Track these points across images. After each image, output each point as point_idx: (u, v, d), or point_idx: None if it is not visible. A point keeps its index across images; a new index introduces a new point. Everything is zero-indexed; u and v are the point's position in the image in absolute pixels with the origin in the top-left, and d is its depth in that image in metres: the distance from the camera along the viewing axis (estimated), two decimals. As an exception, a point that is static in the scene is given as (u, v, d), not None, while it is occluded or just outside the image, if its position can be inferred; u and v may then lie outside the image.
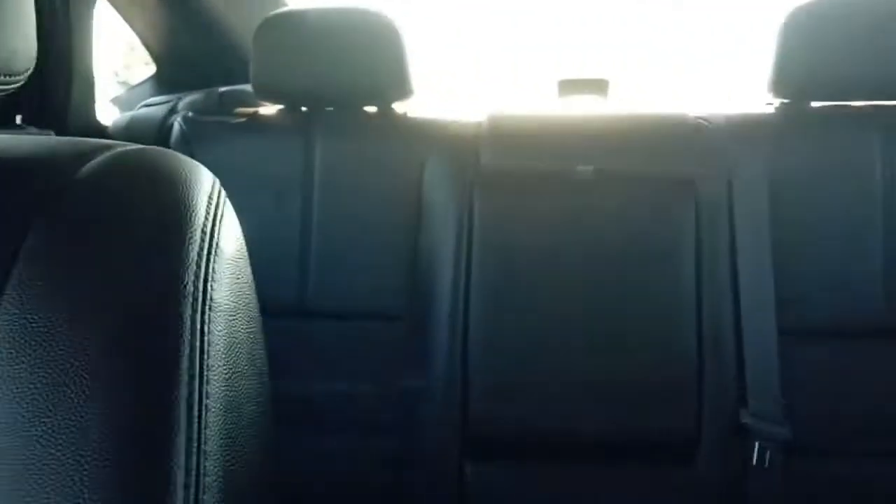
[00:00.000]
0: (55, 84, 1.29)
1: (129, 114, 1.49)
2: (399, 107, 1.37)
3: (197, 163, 0.43)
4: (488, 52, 1.93)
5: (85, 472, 0.33)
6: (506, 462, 1.23)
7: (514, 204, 1.27)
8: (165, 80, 1.61)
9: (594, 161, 1.25)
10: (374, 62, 1.28)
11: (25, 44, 0.41)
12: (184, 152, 1.30)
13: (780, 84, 1.21)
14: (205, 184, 0.42)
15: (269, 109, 1.39)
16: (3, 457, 0.33)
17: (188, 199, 0.39)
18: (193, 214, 0.39)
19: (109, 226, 0.37)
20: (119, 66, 1.93)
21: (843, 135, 1.21)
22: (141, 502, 0.33)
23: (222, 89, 1.50)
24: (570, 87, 1.41)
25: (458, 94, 1.79)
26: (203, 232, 0.39)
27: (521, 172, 1.28)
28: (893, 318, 1.18)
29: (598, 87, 1.41)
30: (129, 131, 1.42)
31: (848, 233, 1.19)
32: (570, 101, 1.41)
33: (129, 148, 0.42)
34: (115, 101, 1.62)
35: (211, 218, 0.40)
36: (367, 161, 1.30)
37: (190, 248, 0.37)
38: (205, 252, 0.38)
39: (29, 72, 0.42)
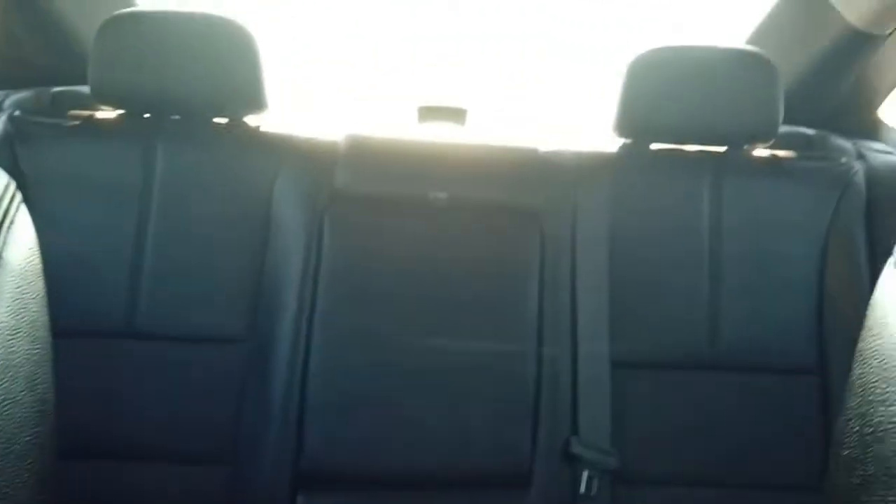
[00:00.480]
0: None
1: None
2: (252, 120, 1.32)
3: None
4: (351, 72, 1.92)
5: None
6: (339, 494, 1.20)
7: (366, 227, 1.25)
8: (-8, 75, 1.47)
9: (448, 188, 1.26)
10: (227, 71, 1.23)
11: None
12: (6, 154, 1.20)
13: (624, 126, 1.28)
14: None
15: (107, 114, 1.30)
16: None
17: None
18: None
19: None
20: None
21: (677, 177, 1.29)
22: None
23: (56, 89, 1.38)
24: (429, 113, 1.42)
25: (316, 111, 1.76)
26: None
27: (374, 195, 1.27)
28: (715, 353, 1.25)
29: (456, 115, 1.43)
30: None
31: (678, 271, 1.26)
32: (428, 128, 1.42)
33: None
34: None
35: None
36: (214, 174, 1.24)
37: None
38: None
39: None
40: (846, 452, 0.33)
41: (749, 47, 1.30)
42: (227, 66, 1.22)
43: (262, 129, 1.33)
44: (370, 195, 1.27)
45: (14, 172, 1.02)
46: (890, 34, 1.34)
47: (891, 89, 1.50)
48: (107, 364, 1.17)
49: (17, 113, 1.25)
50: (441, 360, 1.22)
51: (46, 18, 1.39)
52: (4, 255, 0.36)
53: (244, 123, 1.31)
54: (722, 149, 1.30)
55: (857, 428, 0.32)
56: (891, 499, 0.47)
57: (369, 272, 1.23)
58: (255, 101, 1.26)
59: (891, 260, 0.26)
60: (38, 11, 1.36)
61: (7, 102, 1.30)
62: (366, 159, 1.30)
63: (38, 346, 0.38)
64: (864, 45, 1.38)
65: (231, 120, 1.30)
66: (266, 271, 1.22)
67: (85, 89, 1.25)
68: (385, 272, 1.23)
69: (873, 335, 0.33)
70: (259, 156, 1.27)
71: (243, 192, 1.24)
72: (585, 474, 1.18)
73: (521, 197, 1.27)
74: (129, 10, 1.24)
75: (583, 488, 1.18)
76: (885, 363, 0.31)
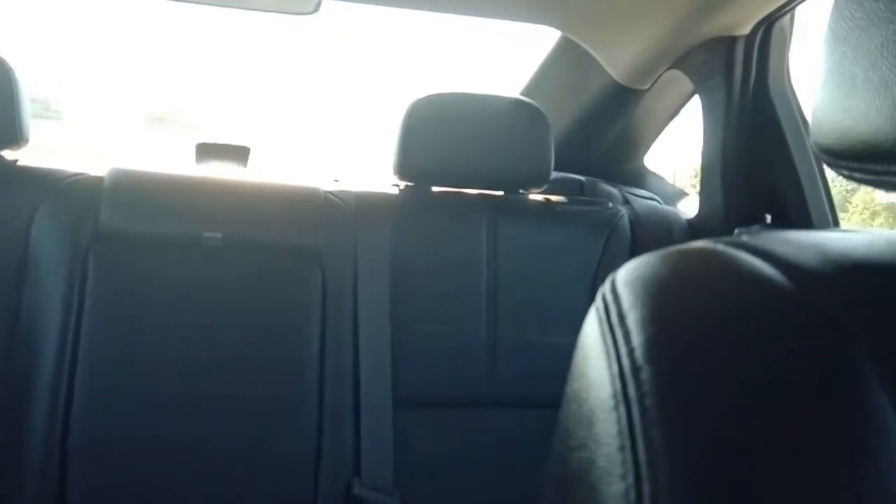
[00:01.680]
0: None
1: None
2: (9, 154, 1.22)
3: None
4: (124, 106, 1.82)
5: None
6: None
7: (135, 268, 1.18)
8: None
9: (223, 228, 1.22)
10: None
11: None
12: None
13: (404, 170, 1.29)
14: None
15: None
16: None
17: None
18: None
19: None
20: None
21: (457, 218, 1.32)
22: None
23: None
24: (208, 151, 1.36)
25: (84, 148, 1.65)
26: None
27: (144, 234, 1.20)
28: (494, 389, 1.28)
29: (238, 154, 1.38)
30: None
31: (458, 311, 1.29)
32: (208, 168, 1.36)
33: None
34: None
35: None
36: None
37: None
38: None
39: None
40: (548, 499, 0.33)
41: (522, 98, 1.37)
42: None
43: (19, 163, 1.24)
44: (139, 234, 1.20)
45: None
46: (649, 89, 1.48)
47: (654, 139, 1.64)
48: None
49: None
50: (217, 408, 1.16)
51: None
52: None
53: (1, 157, 1.21)
54: (500, 193, 1.36)
55: (559, 472, 0.32)
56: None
57: (138, 316, 1.17)
58: (13, 135, 1.18)
59: (595, 303, 0.27)
60: None
61: None
62: (134, 196, 1.22)
63: None
64: (627, 99, 1.50)
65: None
66: (22, 311, 1.13)
67: None
68: (154, 316, 1.17)
69: (574, 377, 0.33)
70: (16, 189, 1.18)
71: None
72: None
73: (302, 237, 1.25)
74: None
75: None
76: (581, 407, 0.31)
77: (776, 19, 1.22)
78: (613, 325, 0.30)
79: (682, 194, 1.63)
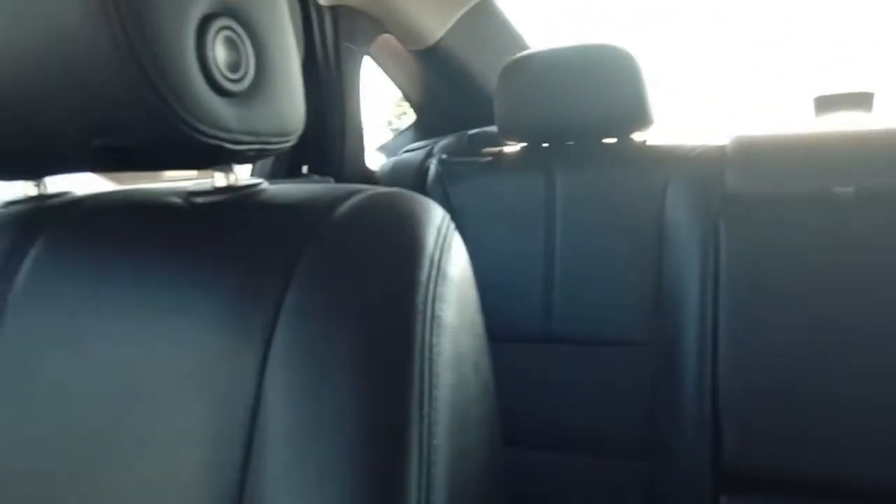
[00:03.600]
0: (333, 137, 1.49)
1: (393, 159, 1.68)
2: (638, 136, 1.38)
3: (430, 201, 0.50)
4: (736, 72, 1.86)
5: (341, 461, 0.40)
6: (763, 496, 1.17)
7: (764, 227, 1.21)
8: (423, 127, 1.78)
9: (854, 181, 1.16)
10: (614, 95, 1.31)
11: (294, 109, 0.51)
12: (439, 191, 1.48)
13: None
14: (435, 220, 0.48)
15: (512, 147, 1.48)
16: (284, 447, 0.41)
17: (420, 232, 0.46)
18: (423, 246, 0.46)
19: (357, 255, 0.45)
20: (392, 116, 2.17)
21: None
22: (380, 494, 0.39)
23: (471, 132, 1.62)
24: (828, 103, 1.32)
25: (703, 117, 1.74)
26: (431, 260, 0.45)
27: (770, 195, 1.22)
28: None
29: (861, 101, 1.30)
30: (393, 175, 1.60)
31: None
32: (828, 120, 1.32)
33: (376, 191, 0.50)
34: (382, 148, 1.83)
35: (439, 248, 0.46)
36: (608, 191, 1.33)
37: (420, 274, 0.44)
38: (432, 277, 0.45)
39: (298, 132, 0.52)
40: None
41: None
42: (615, 90, 1.30)
43: (648, 143, 1.38)
44: (765, 195, 1.23)
45: (446, 206, 1.23)
46: None
47: None
48: (526, 365, 1.34)
49: (444, 156, 1.50)
50: (871, 361, 1.11)
51: (458, 74, 1.64)
52: (447, 270, 0.46)
53: (631, 140, 1.38)
54: None
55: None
56: None
57: (771, 270, 1.19)
58: (643, 119, 1.32)
59: None
60: (452, 70, 1.62)
61: (436, 148, 1.56)
62: (757, 159, 1.26)
63: (477, 341, 0.48)
64: None
65: (619, 139, 1.37)
66: (664, 277, 1.27)
67: (493, 129, 1.44)
68: (788, 269, 1.18)
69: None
70: (648, 169, 1.32)
71: (636, 204, 1.30)
72: None
73: None
74: (522, 53, 1.40)
75: None
76: None
77: None
78: None
79: None
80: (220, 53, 0.43)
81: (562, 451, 1.32)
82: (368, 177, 1.58)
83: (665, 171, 1.30)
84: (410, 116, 1.85)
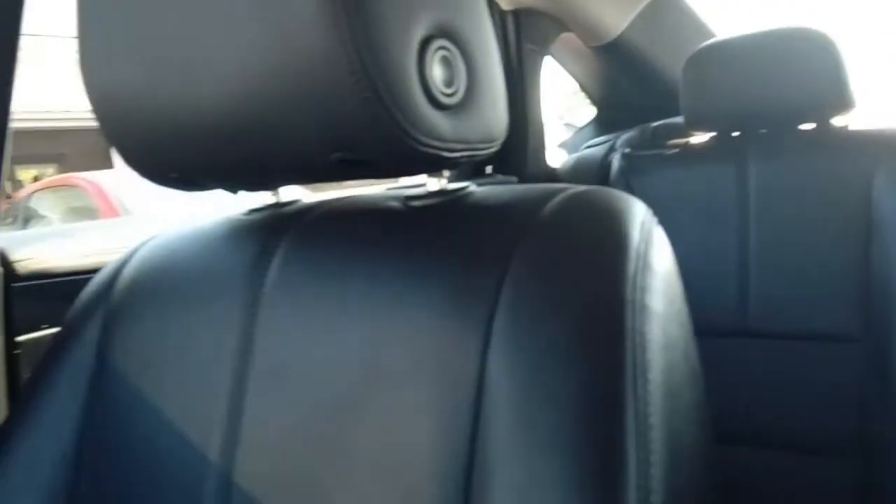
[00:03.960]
0: (515, 137, 1.54)
1: (574, 155, 1.69)
2: (838, 121, 1.31)
3: (632, 197, 0.53)
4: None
5: (565, 429, 0.43)
6: None
7: None
8: (604, 122, 1.78)
9: None
10: (810, 80, 1.24)
11: (499, 117, 0.55)
12: (622, 185, 1.49)
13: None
14: (638, 214, 0.51)
15: (699, 138, 1.44)
16: (509, 418, 0.45)
17: (625, 227, 0.49)
18: (629, 240, 0.48)
19: (566, 250, 0.48)
20: (563, 109, 2.19)
21: None
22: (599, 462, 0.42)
23: (654, 124, 1.60)
24: None
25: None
26: (637, 253, 0.48)
27: None
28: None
29: None
30: (574, 171, 1.61)
31: None
32: None
33: (579, 189, 0.53)
34: (563, 145, 1.85)
35: (644, 242, 0.49)
36: (807, 179, 1.27)
37: (627, 266, 0.47)
38: (639, 269, 0.47)
39: (502, 138, 0.56)
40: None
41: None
42: (811, 74, 1.24)
43: (850, 128, 1.30)
44: None
45: None
46: None
47: None
48: (722, 359, 1.31)
49: (627, 150, 1.49)
50: None
51: (641, 66, 1.63)
52: (652, 263, 0.49)
53: (831, 125, 1.30)
54: None
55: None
56: None
57: None
58: (842, 102, 1.25)
59: None
60: (634, 62, 1.60)
61: (619, 142, 1.56)
62: None
63: (684, 329, 0.50)
64: None
65: (817, 125, 1.30)
66: (873, 270, 1.19)
67: (678, 120, 1.42)
68: None
69: None
70: (851, 156, 1.25)
71: (839, 193, 1.23)
72: None
73: None
74: (710, 41, 1.37)
75: None
76: None
77: None
78: None
79: None
80: (437, 71, 0.48)
81: (754, 447, 1.28)
82: (550, 174, 1.61)
83: (872, 157, 1.22)
84: (580, 110, 1.86)
